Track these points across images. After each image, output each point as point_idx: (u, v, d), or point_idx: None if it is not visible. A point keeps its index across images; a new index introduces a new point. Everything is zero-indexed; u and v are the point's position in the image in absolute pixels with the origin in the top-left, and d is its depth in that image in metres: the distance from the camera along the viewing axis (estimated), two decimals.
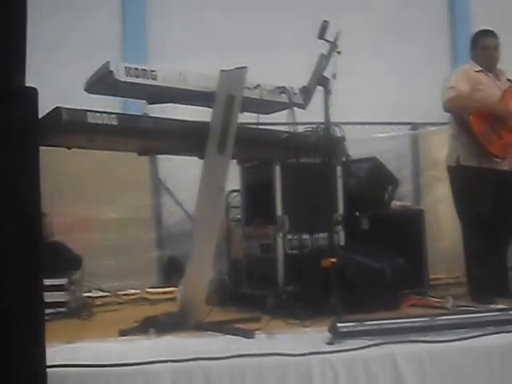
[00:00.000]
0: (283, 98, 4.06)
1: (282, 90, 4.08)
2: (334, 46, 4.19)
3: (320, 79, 4.16)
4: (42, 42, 6.23)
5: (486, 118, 4.65)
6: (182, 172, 6.34)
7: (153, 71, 3.75)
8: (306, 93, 4.19)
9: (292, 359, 3.23)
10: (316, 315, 4.04)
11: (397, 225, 5.06)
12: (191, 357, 3.16)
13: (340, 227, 4.72)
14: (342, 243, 4.73)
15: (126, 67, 3.69)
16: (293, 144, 4.09)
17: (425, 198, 7.04)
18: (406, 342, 3.36)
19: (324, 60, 4.18)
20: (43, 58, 6.15)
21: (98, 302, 5.19)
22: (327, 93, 4.18)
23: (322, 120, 4.21)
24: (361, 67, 6.98)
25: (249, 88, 3.97)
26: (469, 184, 4.69)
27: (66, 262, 5.12)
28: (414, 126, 7.21)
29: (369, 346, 3.32)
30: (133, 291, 5.63)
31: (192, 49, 7.16)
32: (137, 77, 3.71)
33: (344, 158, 4.82)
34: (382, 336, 3.43)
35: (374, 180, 5.00)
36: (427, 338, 3.43)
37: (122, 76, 3.67)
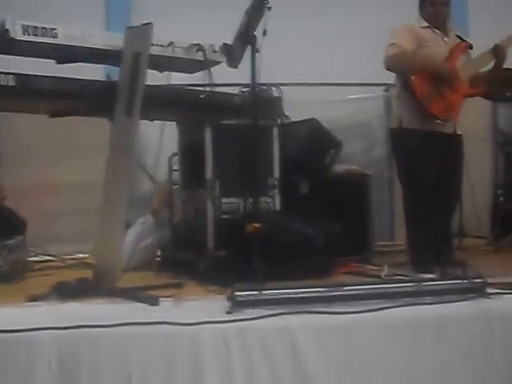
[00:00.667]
0: (199, 55, 3.86)
1: (199, 47, 3.88)
2: (261, 1, 3.98)
3: (246, 37, 3.96)
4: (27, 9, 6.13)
5: (429, 78, 4.38)
6: (146, 135, 6.25)
7: (53, 29, 3.56)
8: (231, 51, 3.98)
9: (181, 328, 3.08)
10: (238, 282, 3.93)
11: (340, 189, 4.82)
12: (76, 324, 3.06)
13: (276, 191, 4.57)
14: (278, 208, 4.57)
15: (23, 25, 3.51)
16: (211, 104, 3.90)
17: None
18: (302, 313, 3.19)
19: (250, 16, 3.98)
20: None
21: (37, 266, 5.11)
22: (254, 51, 3.97)
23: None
24: (337, 30, 6.72)
25: (162, 46, 3.79)
26: (411, 148, 4.44)
27: (8, 225, 5.05)
28: (388, 87, 6.98)
29: (264, 317, 3.14)
30: (81, 255, 5.55)
31: (177, 12, 6.98)
32: (35, 35, 3.53)
33: (284, 120, 4.64)
34: (283, 306, 3.26)
35: (314, 142, 4.76)
36: (330, 309, 3.24)
37: (18, 34, 3.49)
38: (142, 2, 7.03)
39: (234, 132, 4.35)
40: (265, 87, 4.45)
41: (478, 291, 3.46)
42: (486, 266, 4.64)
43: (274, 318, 3.15)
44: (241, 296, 3.29)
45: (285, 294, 3.33)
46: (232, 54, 4.02)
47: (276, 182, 4.53)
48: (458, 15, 7.40)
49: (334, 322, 3.17)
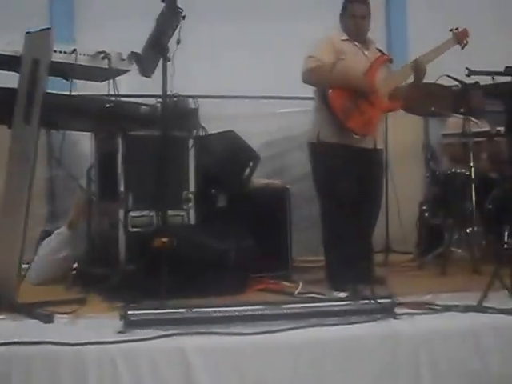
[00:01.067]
0: (105, 63, 3.69)
1: (104, 55, 3.71)
2: (173, 9, 3.83)
3: (157, 45, 3.80)
4: None
5: (347, 92, 4.26)
6: (76, 145, 6.06)
7: None
8: (141, 60, 3.82)
9: (66, 349, 2.89)
10: (145, 299, 3.75)
11: (259, 203, 4.66)
12: None
13: (190, 205, 4.40)
14: (192, 222, 4.41)
15: None
16: (118, 114, 3.73)
17: None
18: (196, 334, 3.03)
19: (161, 24, 3.83)
20: None
21: None
22: (165, 61, 3.81)
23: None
24: (272, 41, 6.61)
25: (65, 52, 3.61)
26: (328, 162, 4.31)
27: None
28: None
29: (155, 338, 2.98)
30: None
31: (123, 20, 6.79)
32: None
33: (200, 132, 4.49)
34: (177, 326, 3.11)
35: (231, 155, 4.61)
36: (227, 330, 3.09)
37: None
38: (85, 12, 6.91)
39: (147, 143, 4.18)
40: (180, 98, 4.29)
41: (386, 312, 3.34)
42: (405, 283, 4.60)
43: (165, 338, 2.99)
44: (134, 315, 3.12)
45: (180, 313, 3.17)
46: (143, 63, 3.87)
47: (191, 195, 4.37)
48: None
49: (228, 344, 3.02)
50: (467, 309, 3.47)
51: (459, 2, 7.57)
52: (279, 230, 4.73)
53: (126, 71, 3.81)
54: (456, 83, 5.32)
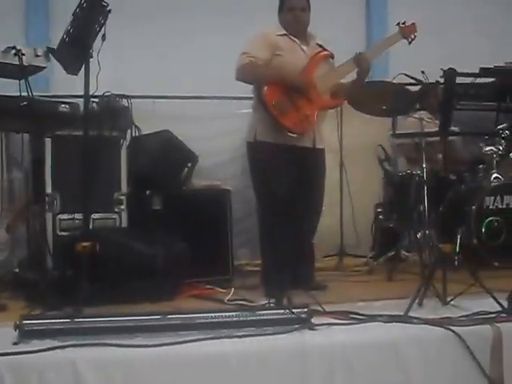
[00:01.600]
0: (16, 60, 3.46)
1: (16, 51, 3.48)
2: (95, 3, 3.61)
3: (76, 42, 3.58)
4: None
5: (282, 89, 4.02)
6: None
7: None
8: (61, 56, 3.61)
9: None
10: (65, 306, 3.54)
11: (199, 205, 4.45)
12: None
13: (122, 207, 4.20)
14: (124, 225, 4.21)
15: None
16: (34, 113, 3.51)
17: None
18: (90, 345, 2.82)
19: (81, 19, 3.60)
20: None
21: None
22: (87, 57, 3.58)
23: None
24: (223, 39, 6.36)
25: None
26: (264, 162, 4.08)
27: None
28: None
29: (44, 350, 2.76)
30: None
31: None
32: None
33: (134, 132, 4.28)
34: (73, 336, 2.90)
35: (167, 155, 4.39)
36: (128, 342, 2.87)
37: None
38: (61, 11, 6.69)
39: (76, 144, 3.96)
40: (112, 97, 4.08)
41: (303, 322, 3.12)
42: (347, 289, 4.38)
43: (58, 350, 2.77)
44: (29, 325, 2.91)
45: (78, 323, 2.94)
46: (63, 60, 3.65)
47: (123, 197, 4.17)
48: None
49: (122, 357, 2.80)
50: (392, 319, 3.24)
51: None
52: (220, 233, 4.51)
53: (42, 68, 3.59)
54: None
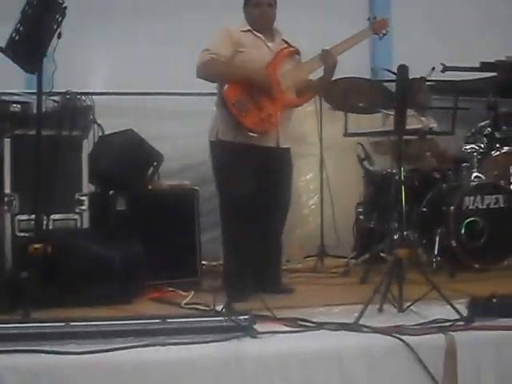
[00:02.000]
0: None
1: None
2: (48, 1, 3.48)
3: (29, 39, 3.46)
4: None
5: (244, 87, 3.86)
6: None
7: None
8: (14, 54, 3.48)
9: None
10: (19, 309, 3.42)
11: (165, 205, 4.30)
12: None
13: (83, 208, 4.07)
14: (86, 226, 4.08)
15: None
16: None
17: None
18: (13, 352, 2.68)
19: (34, 17, 3.47)
20: None
21: None
22: (41, 56, 3.44)
23: None
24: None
25: None
26: (225, 161, 3.94)
27: None
28: None
29: None
30: None
31: None
32: None
33: (99, 131, 4.14)
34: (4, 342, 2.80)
35: (131, 155, 4.23)
36: (58, 349, 2.73)
37: None
38: None
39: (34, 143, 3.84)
40: (73, 96, 3.95)
41: (244, 330, 2.95)
42: (315, 293, 4.21)
43: None
44: None
45: (8, 329, 2.83)
46: (17, 58, 3.52)
47: (84, 198, 4.04)
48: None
49: (49, 363, 2.66)
50: (340, 327, 3.06)
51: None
52: (187, 233, 4.35)
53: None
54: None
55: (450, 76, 6.31)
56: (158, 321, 2.97)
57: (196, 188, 4.40)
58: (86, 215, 4.05)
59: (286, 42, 4.10)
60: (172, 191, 4.40)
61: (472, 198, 4.64)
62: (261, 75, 3.88)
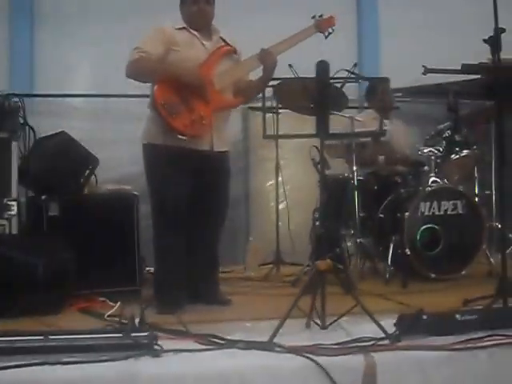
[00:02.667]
0: None
1: None
2: None
3: None
4: None
5: (175, 87, 3.57)
6: None
7: None
8: None
9: None
10: None
11: (102, 211, 4.02)
12: None
13: (12, 213, 3.82)
14: (14, 232, 3.83)
15: None
16: None
17: (253, 177, 6.13)
18: None
19: None
20: None
21: None
22: None
23: None
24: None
25: None
26: (156, 166, 3.66)
27: None
28: None
29: None
30: None
31: None
32: None
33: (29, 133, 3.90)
34: None
35: (64, 158, 3.97)
36: None
37: None
38: None
39: None
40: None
41: (144, 348, 2.67)
42: (251, 305, 3.90)
43: None
44: None
45: None
46: None
47: (13, 203, 3.78)
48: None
49: None
50: (250, 345, 2.77)
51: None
52: (126, 240, 4.06)
53: None
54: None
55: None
56: (57, 337, 2.72)
57: (136, 193, 4.12)
58: (14, 221, 3.82)
59: (224, 41, 3.81)
60: (110, 196, 4.12)
61: (428, 203, 4.30)
62: (192, 75, 3.59)
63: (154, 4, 5.69)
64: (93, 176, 4.11)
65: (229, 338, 2.88)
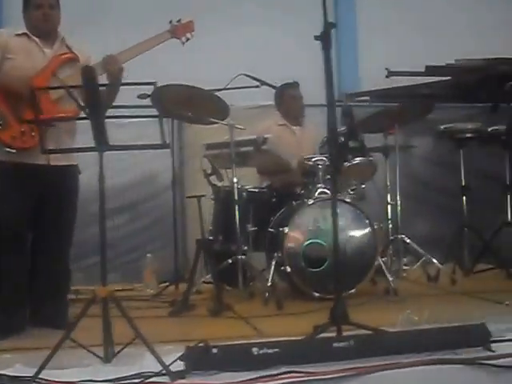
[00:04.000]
0: None
1: None
2: None
3: None
4: None
5: (5, 97, 3.26)
6: None
7: None
8: None
9: None
10: None
11: None
12: None
13: None
14: None
15: None
16: None
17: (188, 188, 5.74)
18: None
19: None
20: None
21: None
22: None
23: None
24: None
25: None
26: None
27: None
28: None
29: None
30: None
31: None
32: None
33: None
34: None
35: None
36: None
37: None
38: None
39: None
40: None
41: None
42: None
43: None
44: None
45: None
46: None
47: None
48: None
49: None
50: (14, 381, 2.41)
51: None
52: None
53: None
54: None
55: None
56: None
57: None
58: None
59: (68, 48, 3.47)
60: None
61: (312, 217, 3.86)
62: (23, 84, 3.24)
63: None
64: None
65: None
